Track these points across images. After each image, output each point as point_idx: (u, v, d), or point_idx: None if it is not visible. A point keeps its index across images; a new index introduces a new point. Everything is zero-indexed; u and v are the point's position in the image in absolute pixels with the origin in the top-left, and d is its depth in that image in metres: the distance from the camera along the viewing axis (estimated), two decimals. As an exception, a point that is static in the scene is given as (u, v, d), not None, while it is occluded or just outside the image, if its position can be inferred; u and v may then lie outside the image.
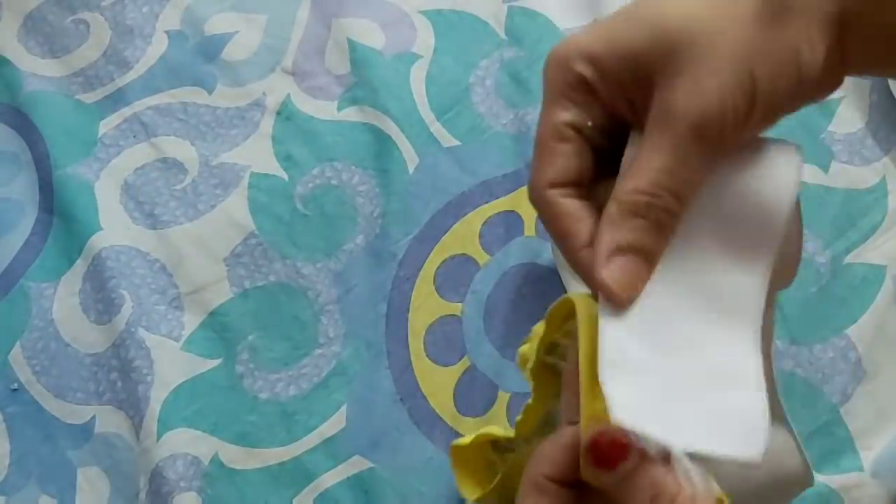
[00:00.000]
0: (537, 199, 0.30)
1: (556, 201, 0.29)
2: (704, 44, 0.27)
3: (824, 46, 0.27)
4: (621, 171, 0.29)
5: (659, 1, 0.28)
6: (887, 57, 0.29)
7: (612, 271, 0.27)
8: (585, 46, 0.28)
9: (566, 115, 0.29)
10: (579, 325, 0.28)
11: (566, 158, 0.29)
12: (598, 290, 0.28)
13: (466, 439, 0.51)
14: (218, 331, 0.64)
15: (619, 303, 0.27)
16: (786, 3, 0.27)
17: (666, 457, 0.23)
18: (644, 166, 0.27)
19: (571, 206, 0.29)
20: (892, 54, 0.28)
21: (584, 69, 0.28)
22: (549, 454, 0.26)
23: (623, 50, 0.28)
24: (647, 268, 0.28)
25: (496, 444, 0.51)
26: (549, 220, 0.30)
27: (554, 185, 0.29)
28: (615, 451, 0.24)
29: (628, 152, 0.28)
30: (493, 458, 0.52)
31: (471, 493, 0.52)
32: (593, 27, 0.29)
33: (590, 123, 0.29)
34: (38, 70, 0.75)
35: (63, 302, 0.66)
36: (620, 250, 0.27)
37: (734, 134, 0.28)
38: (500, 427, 0.53)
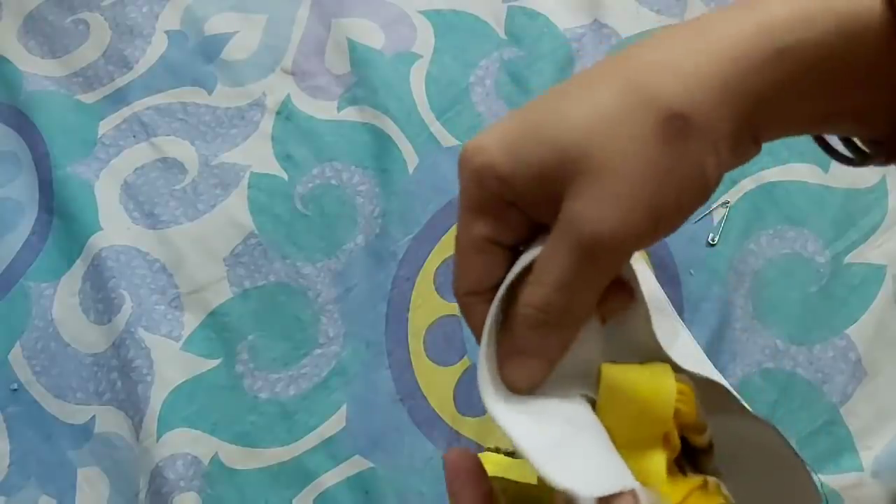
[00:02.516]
0: (459, 304, 0.32)
1: (473, 309, 0.31)
2: (602, 164, 0.27)
3: (729, 152, 0.28)
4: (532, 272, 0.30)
5: (562, 112, 0.28)
6: (804, 130, 0.29)
7: (509, 371, 0.30)
8: (495, 164, 0.29)
9: (483, 229, 0.30)
10: (599, 395, 0.30)
11: (481, 270, 0.31)
12: None
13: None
14: (218, 331, 0.64)
15: (518, 393, 0.30)
16: (687, 120, 0.27)
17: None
18: (540, 280, 0.29)
19: (485, 313, 0.31)
20: (807, 129, 0.29)
21: (497, 188, 0.29)
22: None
23: (530, 171, 0.28)
24: (543, 366, 0.30)
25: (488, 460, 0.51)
26: (469, 325, 0.32)
27: (470, 294, 0.31)
28: None
29: (534, 252, 0.29)
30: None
31: None
32: (501, 131, 0.29)
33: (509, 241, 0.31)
34: (38, 70, 0.75)
35: (63, 302, 0.66)
36: (517, 353, 0.30)
37: (636, 248, 0.28)
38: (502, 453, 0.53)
